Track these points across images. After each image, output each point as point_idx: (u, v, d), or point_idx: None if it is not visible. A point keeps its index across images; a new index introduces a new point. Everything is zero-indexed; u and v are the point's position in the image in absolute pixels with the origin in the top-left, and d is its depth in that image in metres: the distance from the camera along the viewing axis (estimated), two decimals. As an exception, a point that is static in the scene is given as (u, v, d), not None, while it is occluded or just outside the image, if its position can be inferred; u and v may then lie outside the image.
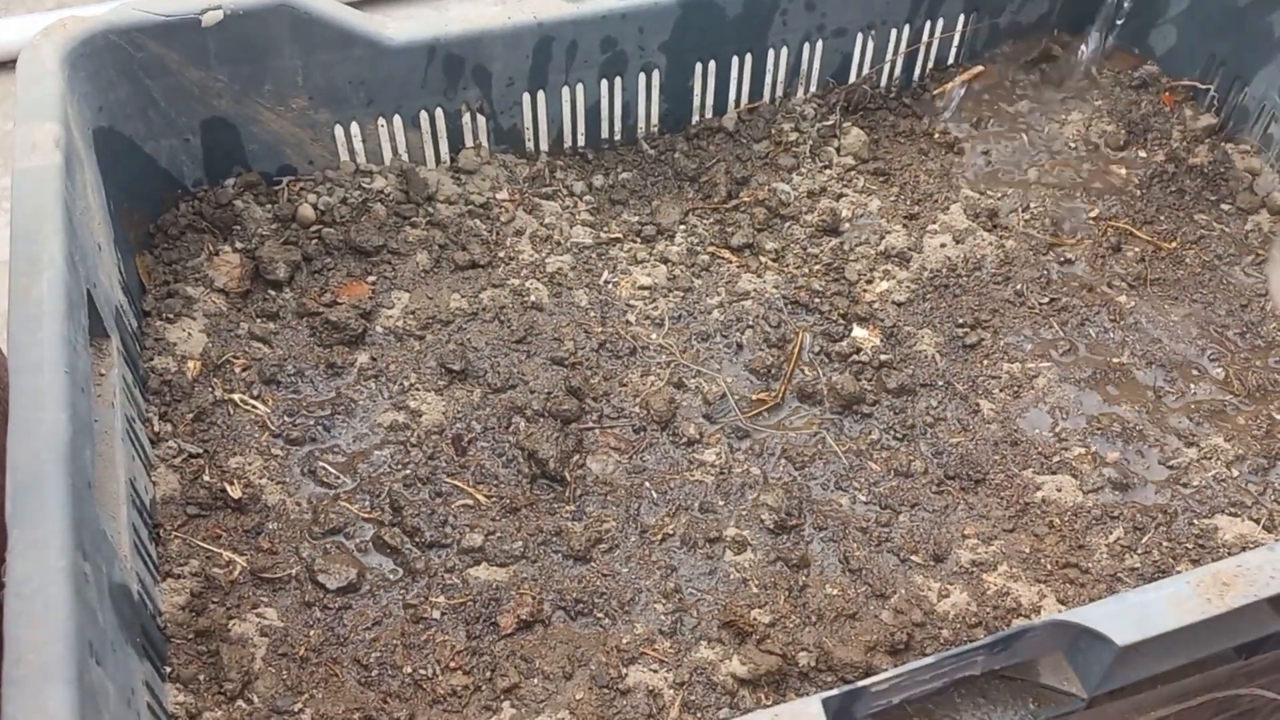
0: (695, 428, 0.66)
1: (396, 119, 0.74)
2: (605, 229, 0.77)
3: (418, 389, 0.66)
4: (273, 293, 0.70)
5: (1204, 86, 0.82)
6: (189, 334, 0.66)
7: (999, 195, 0.79)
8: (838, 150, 0.82)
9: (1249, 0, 0.77)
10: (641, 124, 0.81)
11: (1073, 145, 0.81)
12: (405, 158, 0.76)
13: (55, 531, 0.42)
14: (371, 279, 0.72)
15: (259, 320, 0.68)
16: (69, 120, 0.59)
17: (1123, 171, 0.80)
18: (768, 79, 0.82)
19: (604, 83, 0.77)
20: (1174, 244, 0.75)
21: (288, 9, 0.67)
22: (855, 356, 0.70)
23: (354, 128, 0.74)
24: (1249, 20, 0.77)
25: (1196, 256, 0.75)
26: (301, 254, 0.71)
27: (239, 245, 0.71)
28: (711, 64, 0.79)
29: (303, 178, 0.74)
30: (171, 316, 0.66)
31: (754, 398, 0.69)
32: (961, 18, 0.83)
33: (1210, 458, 0.64)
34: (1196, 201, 0.78)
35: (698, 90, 0.80)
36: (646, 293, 0.74)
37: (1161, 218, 0.77)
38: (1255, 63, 0.78)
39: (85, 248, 0.56)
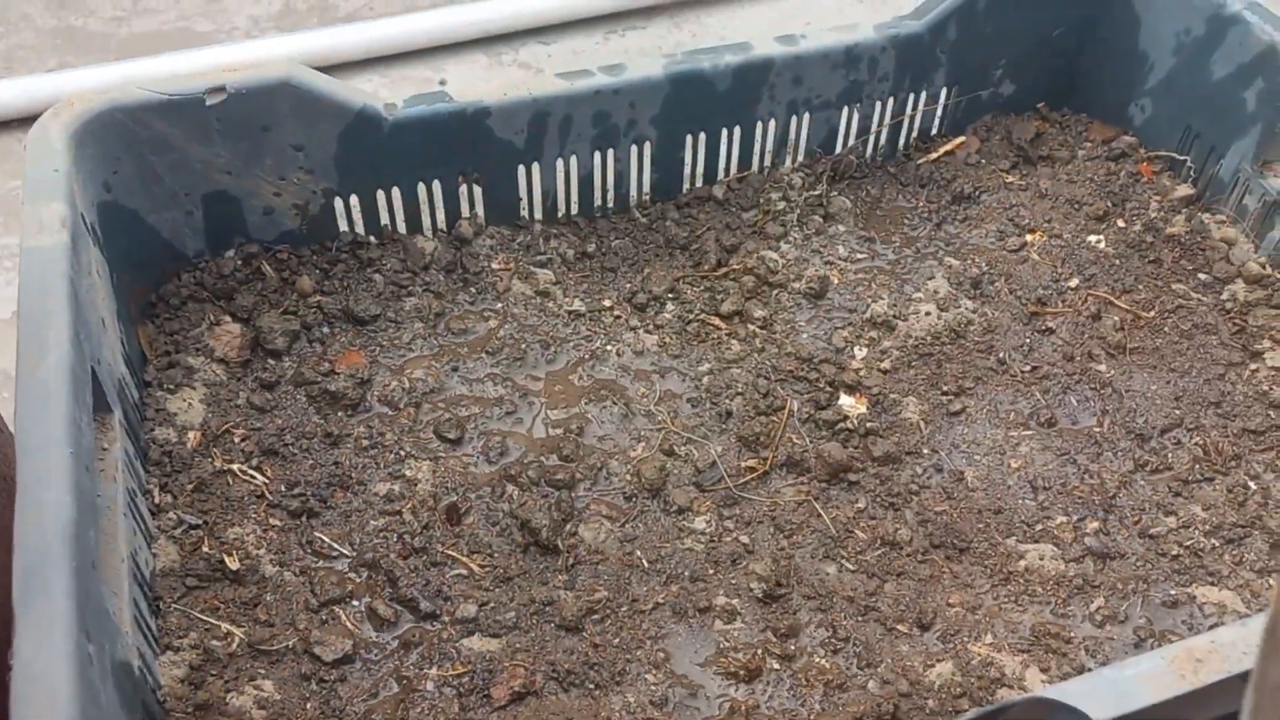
0: (686, 496, 0.68)
1: (395, 190, 0.76)
2: (598, 296, 0.78)
3: (413, 458, 0.68)
4: (272, 362, 0.71)
5: (1180, 158, 0.84)
6: (189, 404, 0.68)
7: (982, 264, 0.81)
8: (824, 219, 0.84)
9: (1222, 75, 0.79)
10: (634, 193, 0.83)
11: (1053, 215, 0.83)
12: (403, 228, 0.78)
13: (60, 614, 0.43)
14: (369, 348, 0.73)
15: (258, 390, 0.69)
16: (74, 198, 0.61)
17: (1102, 241, 0.82)
18: (756, 149, 0.84)
19: (597, 154, 0.79)
20: (1152, 313, 0.77)
21: (289, 87, 0.69)
22: (842, 424, 0.71)
23: (353, 199, 0.76)
24: (1222, 94, 0.80)
25: (1175, 325, 0.77)
26: (300, 323, 0.73)
27: (239, 315, 0.72)
28: (702, 135, 0.81)
29: (302, 247, 0.76)
30: (172, 387, 0.68)
31: (743, 465, 0.70)
32: (944, 91, 0.86)
33: (1188, 526, 0.66)
34: (1174, 271, 0.80)
35: (688, 160, 0.83)
36: (639, 359, 0.75)
37: (1140, 287, 0.79)
38: (1229, 135, 0.80)
39: (90, 325, 0.57)
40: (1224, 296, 0.78)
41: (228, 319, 0.72)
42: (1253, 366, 0.74)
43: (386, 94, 1.38)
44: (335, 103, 0.70)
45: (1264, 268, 0.78)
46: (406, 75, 1.44)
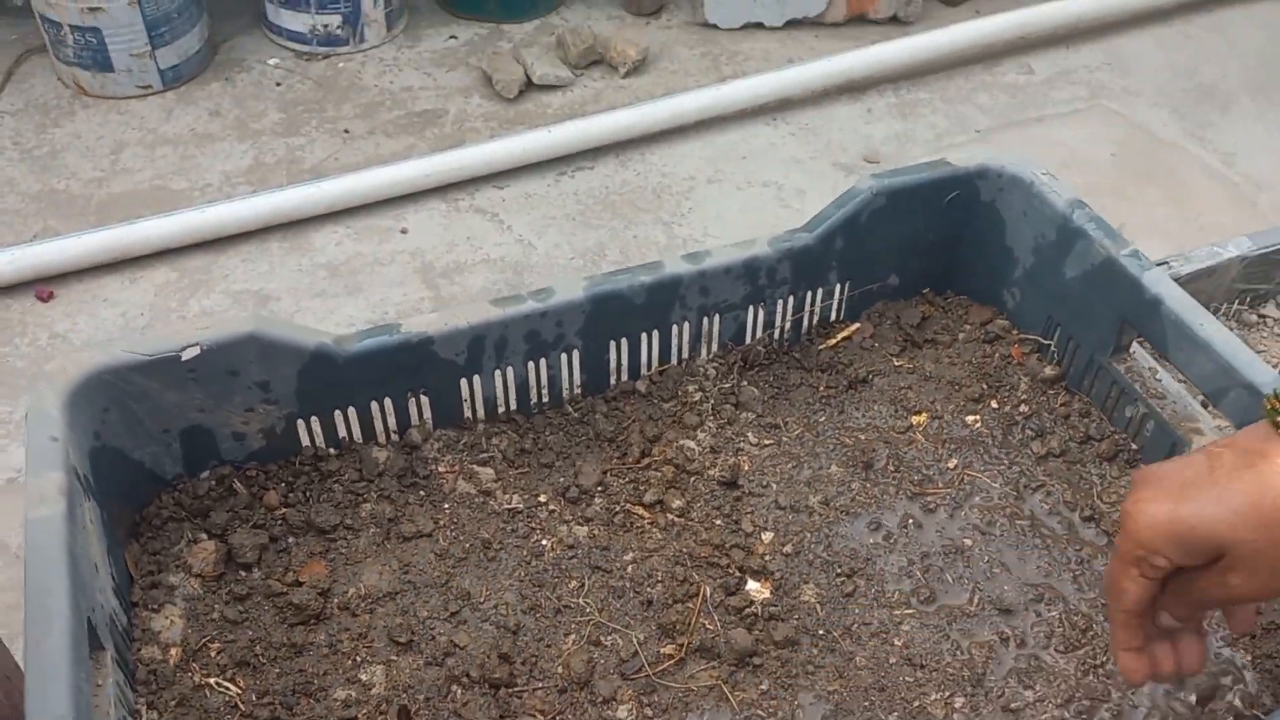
0: (610, 686, 0.77)
1: (350, 410, 0.86)
2: (534, 493, 0.88)
3: (369, 663, 0.77)
4: (243, 573, 0.81)
5: (1045, 342, 0.95)
6: (171, 620, 0.77)
7: (873, 447, 0.91)
8: (735, 407, 0.94)
9: (1072, 276, 0.91)
10: (565, 390, 0.93)
11: (936, 396, 0.94)
12: (359, 439, 0.88)
13: None
14: (329, 556, 0.83)
15: (231, 603, 0.79)
16: (70, 460, 0.70)
17: (978, 421, 0.92)
18: (674, 346, 0.94)
19: (530, 364, 0.90)
20: (1019, 491, 0.88)
21: (254, 339, 0.79)
22: (749, 609, 0.81)
23: (313, 420, 0.86)
24: (1073, 293, 0.91)
25: (1041, 504, 0.87)
26: (268, 535, 0.83)
27: (213, 531, 0.82)
28: (623, 340, 0.92)
29: (269, 464, 0.86)
30: (156, 607, 0.77)
31: (663, 652, 0.80)
32: (838, 287, 0.97)
33: (1044, 700, 0.76)
34: (1042, 449, 0.91)
35: (613, 361, 0.93)
36: (570, 553, 0.85)
37: (1013, 467, 0.90)
38: (1082, 327, 0.91)
39: (85, 579, 0.67)
40: (1084, 474, 0.89)
41: (204, 536, 0.82)
42: (1099, 542, 0.85)
43: (351, 244, 1.50)
44: (294, 346, 0.80)
45: (1116, 444, 0.89)
46: (370, 225, 1.56)
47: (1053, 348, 0.95)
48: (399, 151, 1.66)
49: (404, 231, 1.54)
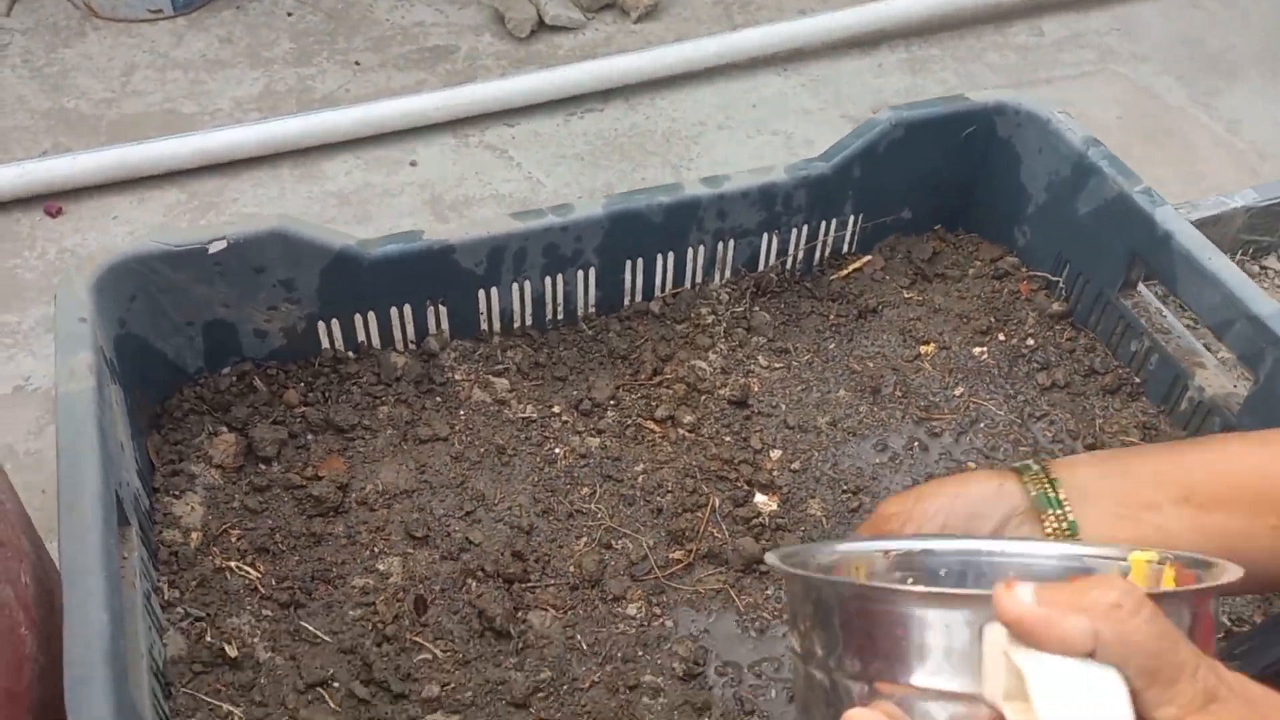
0: (621, 585, 0.79)
1: (371, 314, 0.87)
2: (548, 404, 0.90)
3: (385, 554, 0.79)
4: (263, 466, 0.82)
5: (1054, 279, 0.97)
6: (191, 507, 0.78)
7: (881, 373, 0.93)
8: (747, 330, 0.96)
9: (1085, 212, 0.92)
10: (580, 308, 0.95)
11: (945, 328, 0.96)
12: (378, 344, 0.89)
13: (104, 715, 0.54)
14: (347, 454, 0.84)
15: (251, 494, 0.80)
16: (98, 343, 0.72)
17: (985, 353, 0.94)
18: (689, 270, 0.96)
19: (547, 279, 0.91)
20: (1023, 419, 0.90)
21: (280, 235, 0.80)
22: (756, 520, 0.83)
23: (334, 322, 0.87)
24: (1085, 229, 0.92)
25: (1044, 431, 0.89)
26: (288, 432, 0.84)
27: (234, 425, 0.83)
28: (639, 260, 0.93)
29: (289, 364, 0.87)
30: (177, 493, 0.79)
31: (671, 557, 0.82)
32: (852, 218, 0.98)
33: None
34: (1048, 381, 0.92)
35: (628, 281, 0.94)
36: (582, 461, 0.87)
37: (1018, 397, 0.92)
38: (1092, 264, 0.93)
39: (113, 454, 0.68)
40: (1086, 406, 0.91)
41: (224, 429, 0.83)
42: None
43: (360, 174, 1.50)
44: (319, 246, 0.81)
45: (1119, 378, 0.91)
46: (381, 156, 1.56)
47: (1061, 284, 0.96)
48: (409, 85, 1.66)
49: (413, 164, 1.54)
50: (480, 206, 1.49)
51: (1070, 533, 0.53)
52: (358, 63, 1.69)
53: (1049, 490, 0.54)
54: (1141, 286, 0.91)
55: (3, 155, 1.45)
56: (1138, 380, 0.91)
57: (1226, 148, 1.68)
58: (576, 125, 1.64)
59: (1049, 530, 0.53)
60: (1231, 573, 0.43)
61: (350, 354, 0.88)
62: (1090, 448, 0.88)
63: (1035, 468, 0.55)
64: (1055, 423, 0.90)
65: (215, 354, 0.84)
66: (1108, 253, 0.91)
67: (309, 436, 0.84)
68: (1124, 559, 0.48)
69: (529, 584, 0.79)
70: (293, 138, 1.50)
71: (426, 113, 1.58)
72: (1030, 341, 0.95)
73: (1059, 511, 0.53)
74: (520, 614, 0.77)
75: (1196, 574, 0.46)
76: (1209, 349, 0.90)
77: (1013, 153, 0.97)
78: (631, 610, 0.78)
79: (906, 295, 0.99)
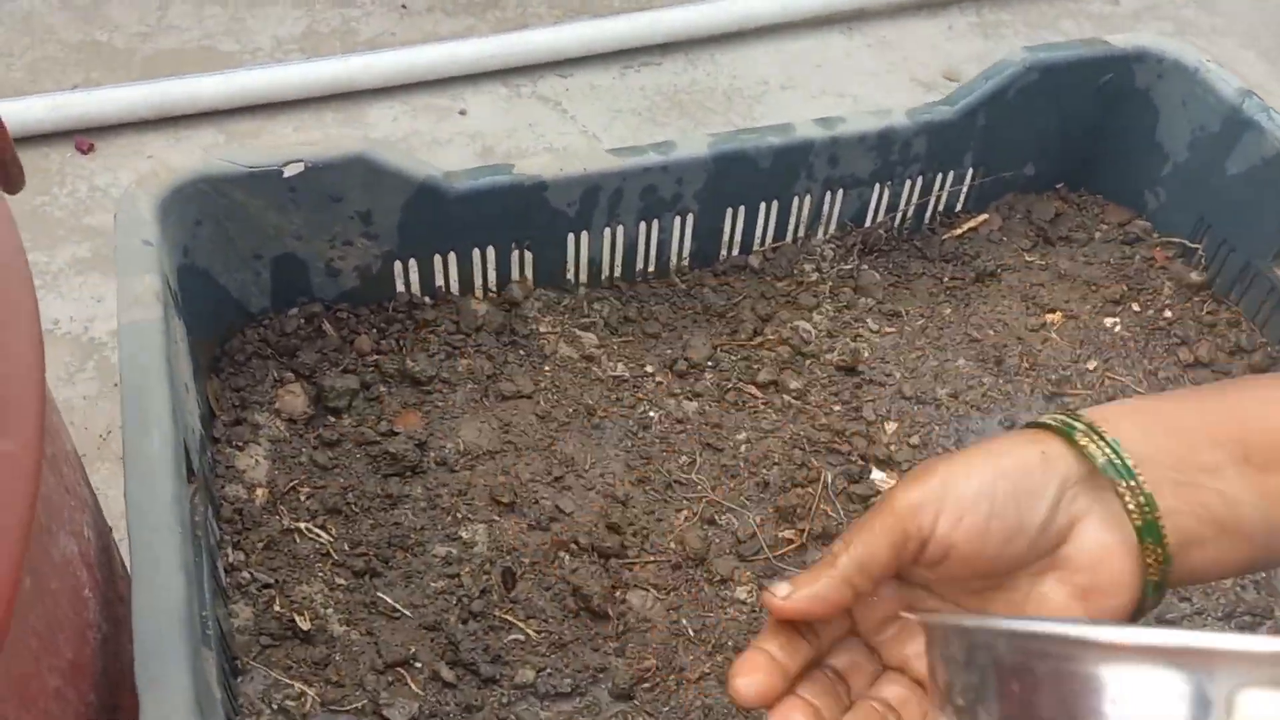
0: (728, 566, 0.71)
1: (451, 255, 0.79)
2: (640, 362, 0.82)
3: (469, 521, 0.71)
4: (333, 419, 0.74)
5: (1193, 246, 0.88)
6: (256, 460, 0.70)
7: (1004, 342, 0.85)
8: (854, 290, 0.87)
9: (1235, 172, 0.84)
10: (673, 260, 0.86)
11: (1071, 296, 0.88)
12: (456, 290, 0.81)
13: (181, 698, 0.46)
14: (424, 408, 0.76)
15: (320, 448, 0.72)
16: (163, 268, 0.63)
17: (1118, 325, 0.86)
18: (791, 222, 0.88)
19: (642, 224, 0.83)
20: (1164, 397, 0.82)
21: (362, 161, 0.71)
22: (874, 499, 0.75)
23: (411, 263, 0.78)
24: (1234, 191, 0.84)
25: (1184, 411, 0.81)
26: (360, 381, 0.76)
27: (301, 371, 0.75)
28: (741, 209, 0.85)
29: (361, 307, 0.78)
30: (240, 444, 0.70)
31: (781, 536, 0.74)
32: (971, 171, 0.90)
33: (1203, 613, 0.70)
34: (1190, 357, 0.84)
35: (727, 231, 0.86)
36: (679, 426, 0.79)
37: (1159, 373, 0.83)
38: (1240, 229, 0.85)
39: (178, 397, 0.60)
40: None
41: (290, 375, 0.75)
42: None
43: (407, 121, 1.42)
44: (403, 176, 0.73)
45: (1270, 356, 0.83)
46: (428, 104, 1.47)
47: (1200, 252, 0.88)
48: (458, 31, 1.57)
49: (462, 113, 1.46)
50: (535, 160, 1.40)
51: (1148, 508, 0.43)
52: (404, 5, 1.60)
53: (1114, 455, 0.43)
54: (1288, 258, 0.83)
55: (32, 87, 1.37)
56: (1289, 359, 0.83)
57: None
58: (633, 79, 1.55)
59: (1130, 506, 0.43)
60: None
61: (427, 300, 0.80)
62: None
63: (1081, 424, 0.44)
64: (1198, 402, 0.82)
65: (282, 292, 0.76)
66: (1260, 217, 0.83)
67: (382, 388, 0.76)
68: None
69: (627, 560, 0.71)
70: (339, 79, 1.42)
71: (478, 59, 1.49)
72: (1168, 314, 0.87)
73: (1133, 483, 0.43)
74: (619, 593, 0.69)
75: None
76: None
77: (1150, 106, 0.88)
78: (741, 594, 0.70)
79: (1028, 259, 0.90)
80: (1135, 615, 0.43)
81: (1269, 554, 0.43)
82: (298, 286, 0.76)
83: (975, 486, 0.43)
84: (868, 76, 1.60)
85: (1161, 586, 0.43)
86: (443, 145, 1.40)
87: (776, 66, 1.60)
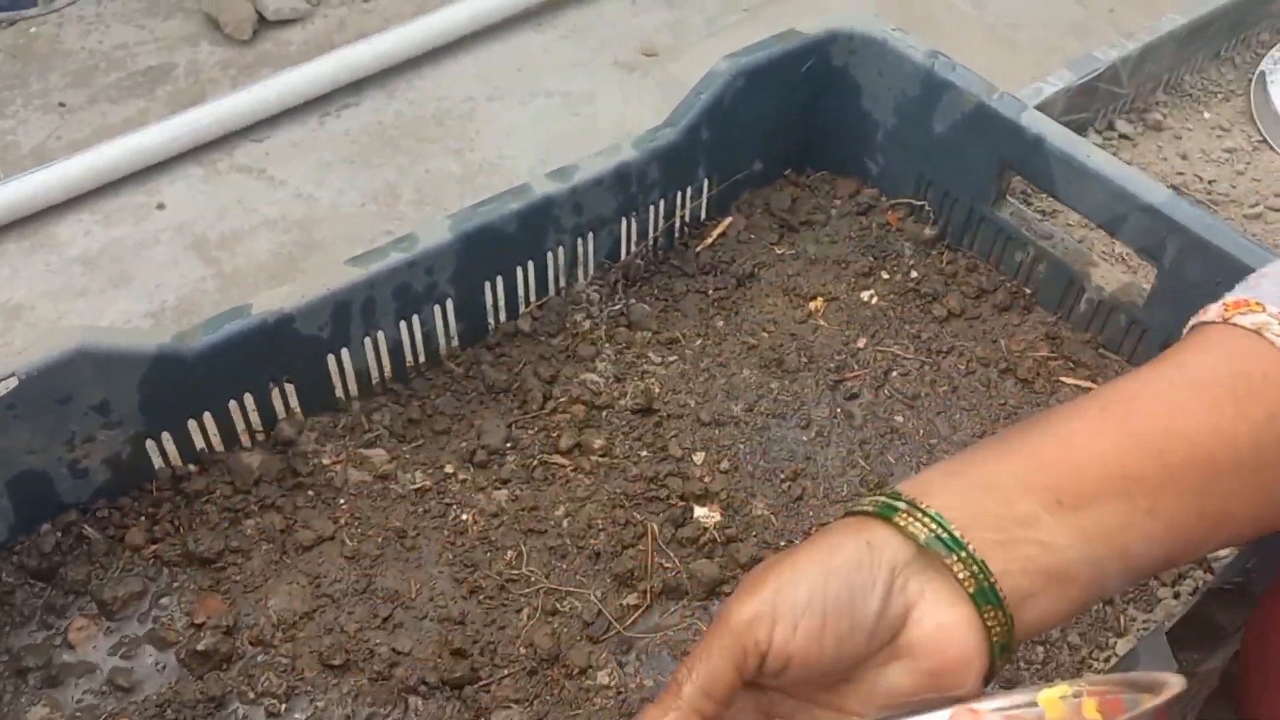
0: (583, 654, 0.70)
1: (206, 416, 0.73)
2: (438, 465, 0.78)
3: (304, 694, 0.66)
4: (128, 635, 0.67)
5: (918, 203, 0.93)
6: (49, 711, 0.63)
7: (779, 343, 0.87)
8: (629, 328, 0.87)
9: (942, 129, 0.88)
10: (442, 345, 0.83)
11: (826, 278, 0.91)
12: (221, 448, 0.75)
13: None
14: (223, 588, 0.70)
15: (120, 674, 0.65)
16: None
17: (874, 296, 0.90)
18: (550, 275, 0.86)
19: (402, 323, 0.79)
20: (933, 357, 0.86)
21: (82, 354, 0.64)
22: (703, 537, 0.76)
23: (165, 436, 0.72)
24: (945, 146, 0.89)
25: (955, 366, 0.86)
26: (142, 581, 0.69)
27: (74, 590, 0.68)
28: (499, 278, 0.82)
29: (120, 499, 0.71)
30: (30, 701, 0.63)
31: (626, 604, 0.73)
32: (706, 181, 0.91)
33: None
34: (943, 311, 0.89)
35: (489, 301, 0.83)
36: (495, 521, 0.76)
37: (922, 334, 0.87)
38: (958, 180, 0.89)
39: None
40: (984, 328, 0.88)
41: (68, 601, 0.67)
42: (1020, 392, 0.85)
43: (102, 232, 1.30)
44: (131, 354, 0.66)
45: (1010, 292, 0.89)
46: (121, 206, 1.36)
47: (927, 207, 0.93)
48: (131, 118, 1.44)
49: (161, 207, 1.34)
50: (253, 238, 1.31)
51: (981, 575, 0.43)
52: (62, 103, 1.45)
53: (939, 528, 0.44)
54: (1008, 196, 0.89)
55: None
56: (1029, 291, 0.89)
57: (975, 24, 1.70)
58: (334, 126, 1.48)
59: (962, 577, 0.43)
60: (1170, 688, 0.38)
61: (192, 468, 0.74)
62: (1005, 373, 0.85)
63: (901, 504, 0.45)
64: (964, 353, 0.87)
65: (26, 511, 0.68)
66: (973, 166, 0.87)
67: (169, 580, 0.70)
68: (1035, 703, 0.42)
69: (481, 683, 0.68)
70: (11, 204, 1.28)
71: (162, 145, 1.37)
72: (914, 274, 0.91)
73: (963, 554, 0.43)
74: (484, 720, 0.66)
75: (1122, 695, 0.41)
76: (1090, 249, 0.89)
77: (851, 81, 0.92)
78: (603, 678, 0.69)
79: (778, 252, 0.93)
80: (986, 680, 0.45)
81: (1100, 591, 0.45)
82: (44, 500, 0.68)
83: (806, 592, 0.43)
84: (571, 68, 1.59)
85: (1008, 647, 0.44)
86: (149, 248, 1.29)
87: (478, 79, 1.56)
